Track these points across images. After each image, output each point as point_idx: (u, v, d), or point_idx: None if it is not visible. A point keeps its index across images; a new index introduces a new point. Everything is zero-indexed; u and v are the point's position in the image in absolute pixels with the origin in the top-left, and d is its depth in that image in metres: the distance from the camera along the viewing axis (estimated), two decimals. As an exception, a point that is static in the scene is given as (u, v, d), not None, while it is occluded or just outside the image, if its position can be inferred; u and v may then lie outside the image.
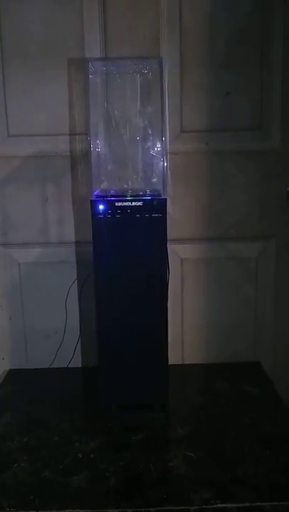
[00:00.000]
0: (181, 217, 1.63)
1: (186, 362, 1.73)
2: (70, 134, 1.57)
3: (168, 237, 1.32)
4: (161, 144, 1.36)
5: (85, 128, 1.53)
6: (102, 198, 1.30)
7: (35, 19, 1.52)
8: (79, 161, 1.58)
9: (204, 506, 1.09)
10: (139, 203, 1.28)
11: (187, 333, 1.72)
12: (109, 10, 1.52)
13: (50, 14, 1.52)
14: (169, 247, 1.34)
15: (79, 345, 1.67)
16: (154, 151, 1.38)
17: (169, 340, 1.38)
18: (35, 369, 1.69)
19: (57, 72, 1.54)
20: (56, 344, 1.66)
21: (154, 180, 1.37)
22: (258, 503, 1.09)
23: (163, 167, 1.36)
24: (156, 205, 1.28)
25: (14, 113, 1.57)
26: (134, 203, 1.28)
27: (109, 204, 1.28)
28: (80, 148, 1.57)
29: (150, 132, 1.39)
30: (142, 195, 1.33)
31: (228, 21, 1.54)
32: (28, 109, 1.56)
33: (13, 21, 1.52)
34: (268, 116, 1.60)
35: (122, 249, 1.31)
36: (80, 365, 1.69)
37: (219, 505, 1.09)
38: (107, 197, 1.31)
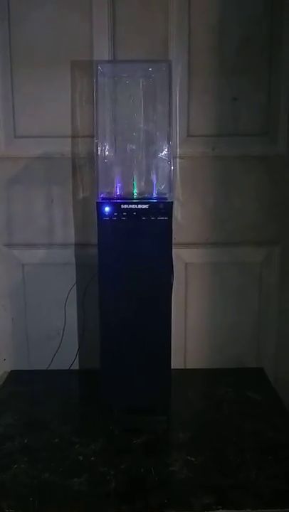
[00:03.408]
0: (186, 222, 1.63)
1: (189, 366, 1.72)
2: (76, 136, 1.58)
3: (172, 242, 1.32)
4: (168, 148, 1.36)
5: (92, 130, 1.53)
6: (108, 200, 1.30)
7: (44, 22, 1.53)
8: (85, 163, 1.58)
9: (205, 511, 1.08)
10: (145, 206, 1.28)
11: (190, 337, 1.71)
12: (118, 14, 1.53)
13: (59, 18, 1.53)
14: (174, 251, 1.34)
15: (80, 348, 1.66)
16: (161, 154, 1.38)
17: (171, 344, 1.37)
18: (36, 370, 1.69)
19: (65, 75, 1.54)
20: (60, 346, 1.66)
21: (161, 183, 1.37)
22: (259, 510, 1.08)
23: (169, 171, 1.36)
24: (162, 208, 1.28)
25: (21, 114, 1.58)
26: (140, 206, 1.28)
27: (115, 206, 1.28)
28: (86, 150, 1.58)
29: (157, 136, 1.39)
30: (148, 198, 1.33)
31: (237, 26, 1.55)
32: (35, 110, 1.57)
33: (23, 25, 1.53)
34: (275, 122, 1.60)
35: (127, 251, 1.31)
36: (80, 368, 1.68)
37: (220, 510, 1.08)
38: (113, 199, 1.31)
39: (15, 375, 1.68)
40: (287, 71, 1.57)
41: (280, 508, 1.09)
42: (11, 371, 1.70)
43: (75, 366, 1.67)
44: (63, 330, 1.65)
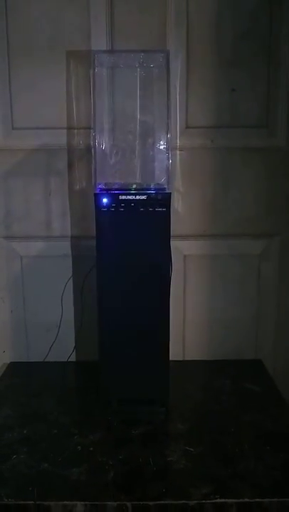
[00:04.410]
0: (184, 214, 1.63)
1: (188, 358, 1.73)
2: (74, 128, 1.57)
3: (171, 233, 1.32)
4: (167, 139, 1.36)
5: (90, 121, 1.53)
6: (106, 191, 1.30)
7: (41, 13, 1.52)
8: (83, 155, 1.58)
9: (203, 501, 1.08)
10: (143, 197, 1.28)
11: (189, 329, 1.72)
12: (117, 4, 1.52)
13: (56, 8, 1.52)
14: (172, 243, 1.34)
15: (78, 339, 1.67)
16: (159, 145, 1.37)
17: (170, 336, 1.38)
18: (35, 362, 1.69)
19: (62, 66, 1.54)
20: (58, 338, 1.66)
21: (159, 175, 1.37)
22: (257, 499, 1.09)
23: (168, 162, 1.36)
24: (161, 199, 1.28)
25: (19, 106, 1.57)
26: (138, 197, 1.27)
27: (113, 197, 1.28)
28: (84, 141, 1.57)
29: (155, 127, 1.38)
30: (146, 189, 1.32)
31: (236, 18, 1.54)
32: (32, 102, 1.56)
33: (20, 15, 1.52)
34: (274, 114, 1.60)
35: (125, 242, 1.31)
36: (78, 359, 1.69)
37: (218, 500, 1.08)
38: (111, 190, 1.31)
39: (14, 367, 1.69)
40: (286, 62, 1.56)
41: (278, 498, 1.10)
42: (10, 363, 1.71)
43: (73, 358, 1.68)
44: (60, 321, 1.65)
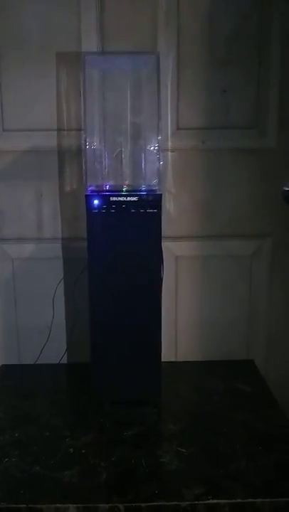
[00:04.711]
0: (176, 215, 1.63)
1: (180, 359, 1.73)
2: (65, 130, 1.57)
3: (162, 235, 1.32)
4: (157, 141, 1.36)
5: (81, 123, 1.53)
6: (97, 192, 1.30)
7: (32, 14, 1.51)
8: (74, 157, 1.58)
9: (196, 502, 1.08)
10: (134, 198, 1.27)
11: (181, 330, 1.72)
12: (107, 5, 1.52)
13: (47, 9, 1.51)
14: (164, 244, 1.34)
15: (70, 341, 1.66)
16: (150, 147, 1.37)
17: (162, 337, 1.38)
18: (27, 365, 1.68)
19: (53, 67, 1.53)
20: (49, 340, 1.66)
21: (150, 176, 1.37)
22: (249, 499, 1.09)
23: (158, 163, 1.36)
24: (152, 201, 1.28)
25: (9, 108, 1.56)
26: (129, 198, 1.27)
27: (104, 199, 1.28)
28: (75, 143, 1.57)
29: (146, 128, 1.38)
30: (137, 191, 1.32)
31: (226, 19, 1.54)
32: (23, 104, 1.56)
33: (10, 16, 1.51)
34: (265, 115, 1.60)
35: (117, 244, 1.31)
36: (69, 361, 1.68)
37: (211, 501, 1.09)
38: (102, 192, 1.31)
39: (5, 370, 1.68)
40: (277, 63, 1.57)
41: (271, 498, 1.10)
42: (1, 365, 1.70)
43: (65, 360, 1.67)
44: (51, 323, 1.64)
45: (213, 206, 1.64)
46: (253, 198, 1.65)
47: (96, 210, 1.28)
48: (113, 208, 1.28)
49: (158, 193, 1.31)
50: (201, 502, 1.08)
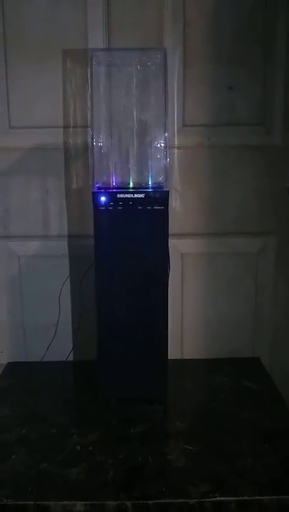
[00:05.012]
0: (182, 212, 1.63)
1: (186, 357, 1.73)
2: (71, 127, 1.57)
3: (169, 232, 1.32)
4: (164, 137, 1.36)
5: (87, 120, 1.53)
6: (104, 189, 1.30)
7: (38, 11, 1.51)
8: (81, 154, 1.57)
9: (202, 499, 1.08)
10: (141, 195, 1.27)
11: (187, 327, 1.72)
12: (114, 2, 1.51)
13: (53, 6, 1.51)
14: (170, 241, 1.34)
15: (76, 339, 1.66)
16: (157, 144, 1.37)
17: (168, 334, 1.38)
18: (34, 362, 1.68)
19: (60, 65, 1.53)
20: (56, 337, 1.66)
21: (156, 173, 1.36)
22: (256, 497, 1.09)
23: (165, 160, 1.35)
24: (158, 198, 1.28)
25: (16, 105, 1.56)
26: (136, 195, 1.27)
27: (111, 196, 1.27)
28: (81, 140, 1.57)
29: (153, 125, 1.38)
30: (144, 188, 1.32)
31: (232, 16, 1.54)
32: (30, 101, 1.56)
33: (17, 14, 1.51)
34: (271, 112, 1.60)
35: (124, 241, 1.31)
36: (75, 359, 1.69)
37: (217, 498, 1.09)
38: (109, 189, 1.31)
39: (12, 367, 1.68)
40: (282, 60, 1.56)
41: (277, 495, 1.10)
42: (8, 363, 1.70)
43: (71, 358, 1.68)
44: (58, 321, 1.65)
45: (218, 203, 1.64)
46: (258, 195, 1.64)
47: (103, 207, 1.28)
48: (120, 205, 1.27)
49: (165, 189, 1.30)
50: (207, 499, 1.09)
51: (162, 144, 1.36)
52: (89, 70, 1.33)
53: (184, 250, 1.67)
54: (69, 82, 1.54)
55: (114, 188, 1.32)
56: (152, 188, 1.33)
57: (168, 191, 1.30)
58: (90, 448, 1.25)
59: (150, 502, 1.08)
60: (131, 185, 1.35)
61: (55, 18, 1.52)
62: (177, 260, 1.65)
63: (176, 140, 1.58)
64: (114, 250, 1.31)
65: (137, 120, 1.39)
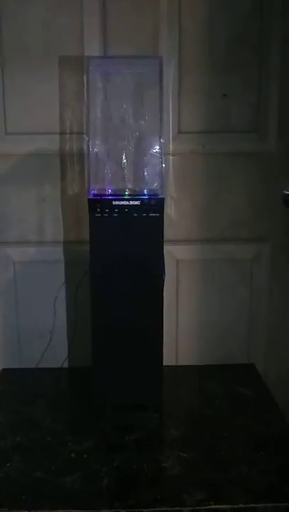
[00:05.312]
0: (177, 218, 1.63)
1: (181, 363, 1.73)
2: (68, 133, 1.57)
3: (164, 238, 1.32)
4: (160, 144, 1.36)
5: (83, 127, 1.53)
6: (100, 196, 1.30)
7: (34, 17, 1.52)
8: (77, 160, 1.58)
9: (197, 507, 1.08)
10: (137, 202, 1.28)
11: (182, 334, 1.72)
12: (110, 10, 1.52)
13: (49, 13, 1.51)
14: (165, 248, 1.34)
15: (71, 345, 1.66)
16: (152, 151, 1.37)
17: (163, 341, 1.37)
18: (28, 369, 1.67)
19: (56, 71, 1.53)
20: (51, 343, 1.65)
21: (152, 180, 1.36)
22: (251, 505, 1.09)
23: (161, 167, 1.36)
24: (154, 205, 1.28)
25: (12, 111, 1.56)
26: (131, 202, 1.28)
27: (107, 203, 1.28)
28: (77, 147, 1.57)
29: (148, 132, 1.38)
30: (139, 195, 1.32)
31: (227, 23, 1.55)
32: (26, 107, 1.56)
33: (13, 20, 1.51)
34: (265, 119, 1.61)
35: (119, 248, 1.31)
36: (70, 366, 1.68)
37: (212, 506, 1.08)
38: (104, 196, 1.31)
39: (6, 374, 1.67)
40: (277, 68, 1.57)
41: (272, 503, 1.10)
42: (2, 369, 1.69)
43: (66, 364, 1.67)
44: (53, 327, 1.64)
45: (213, 210, 1.64)
46: (253, 201, 1.65)
47: (99, 214, 1.28)
48: (116, 212, 1.28)
49: (160, 197, 1.31)
50: (202, 507, 1.08)
51: (158, 151, 1.37)
52: (85, 77, 1.33)
53: (179, 256, 1.67)
54: (65, 88, 1.54)
55: (110, 195, 1.32)
56: (148, 195, 1.33)
57: (163, 198, 1.30)
58: (85, 456, 1.24)
59: (145, 510, 1.08)
60: (126, 192, 1.35)
61: (52, 25, 1.52)
62: (172, 266, 1.65)
63: (171, 147, 1.59)
64: (109, 257, 1.31)
65: (133, 127, 1.39)
